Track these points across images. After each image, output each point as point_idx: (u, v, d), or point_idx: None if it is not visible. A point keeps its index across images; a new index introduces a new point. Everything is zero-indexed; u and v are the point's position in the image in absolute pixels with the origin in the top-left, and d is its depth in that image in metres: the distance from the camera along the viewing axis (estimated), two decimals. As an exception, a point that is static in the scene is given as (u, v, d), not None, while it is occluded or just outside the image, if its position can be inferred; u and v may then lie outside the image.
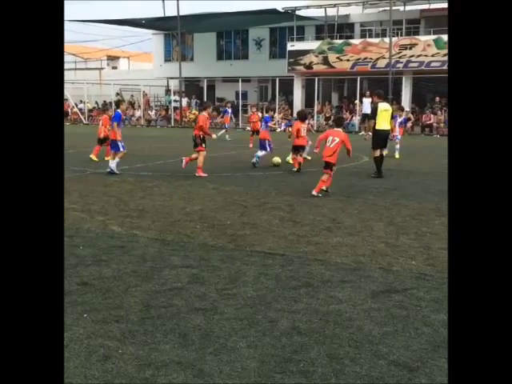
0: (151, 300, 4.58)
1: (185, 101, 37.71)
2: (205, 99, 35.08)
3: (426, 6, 33.17)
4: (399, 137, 17.37)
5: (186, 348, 3.70)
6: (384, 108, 12.32)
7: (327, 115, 31.30)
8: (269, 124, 15.66)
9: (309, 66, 34.05)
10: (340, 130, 10.21)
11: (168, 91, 40.56)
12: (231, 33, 41.26)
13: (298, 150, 13.43)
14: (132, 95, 40.29)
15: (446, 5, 32.42)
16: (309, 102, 34.06)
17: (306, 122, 14.15)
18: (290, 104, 35.77)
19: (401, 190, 10.35)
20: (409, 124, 25.68)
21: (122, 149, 12.32)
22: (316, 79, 31.71)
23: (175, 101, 37.01)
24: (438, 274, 5.30)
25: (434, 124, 29.06)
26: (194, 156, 12.30)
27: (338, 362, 3.52)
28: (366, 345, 3.76)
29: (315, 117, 19.02)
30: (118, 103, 13.68)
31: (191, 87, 40.34)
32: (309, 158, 15.38)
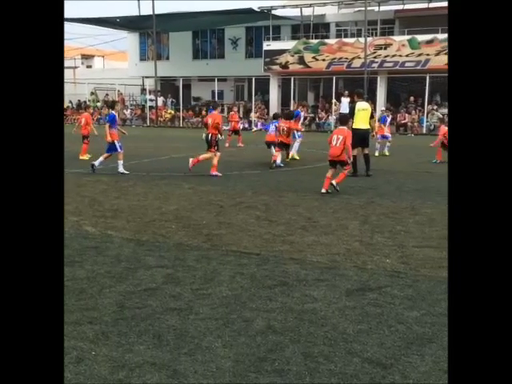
0: (125, 301, 4.54)
1: (160, 100, 37.51)
2: (181, 99, 34.98)
3: (400, 7, 33.50)
4: (384, 135, 17.61)
5: (161, 348, 3.67)
6: (362, 107, 12.40)
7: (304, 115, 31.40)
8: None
9: (285, 66, 34.12)
10: (344, 128, 10.35)
11: (143, 90, 40.29)
12: (207, 32, 41.12)
13: (284, 146, 13.97)
14: (107, 94, 39.91)
15: (419, 5, 32.89)
16: (285, 101, 34.14)
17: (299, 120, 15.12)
18: (266, 103, 35.82)
19: (376, 188, 10.43)
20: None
21: (119, 149, 12.28)
22: (292, 79, 31.82)
23: (151, 100, 36.78)
24: (411, 271, 5.35)
25: (409, 123, 29.37)
26: (201, 157, 12.22)
27: (313, 360, 3.53)
28: (341, 343, 3.78)
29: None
30: (112, 104, 13.59)
31: (167, 86, 40.11)
32: (297, 157, 15.58)
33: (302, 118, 16.68)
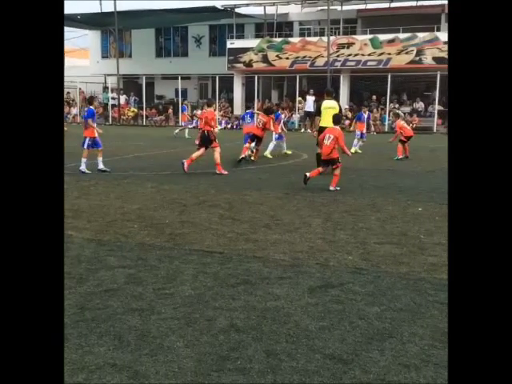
0: (86, 302, 4.47)
1: (123, 98, 37.05)
2: (144, 97, 34.63)
3: (362, 6, 33.90)
4: (365, 135, 17.81)
5: (122, 350, 3.63)
6: (328, 106, 12.48)
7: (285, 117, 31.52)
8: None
9: (248, 64, 34.16)
10: (337, 127, 10.52)
11: (105, 88, 39.73)
12: (170, 29, 40.84)
13: (256, 139, 14.35)
14: (68, 92, 39.20)
15: (381, 5, 33.32)
16: (249, 99, 34.18)
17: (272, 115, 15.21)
18: (230, 102, 35.78)
19: (338, 186, 10.51)
20: (346, 122, 26.23)
21: (88, 147, 12.29)
22: (256, 77, 31.86)
23: (113, 98, 36.30)
24: (372, 268, 5.42)
25: (371, 122, 29.72)
26: (194, 156, 12.23)
27: (275, 357, 3.54)
28: (303, 340, 3.80)
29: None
30: (90, 100, 13.63)
31: (130, 84, 39.66)
32: (289, 152, 16.20)
33: (282, 121, 16.74)
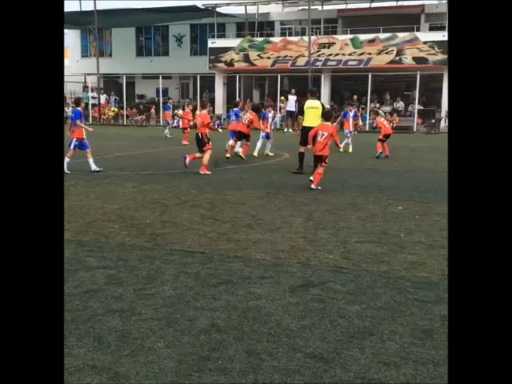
0: (65, 303, 4.41)
1: (103, 98, 36.78)
2: (124, 96, 34.41)
3: (343, 6, 34.07)
4: (352, 132, 17.86)
5: (102, 351, 3.60)
6: (310, 105, 12.53)
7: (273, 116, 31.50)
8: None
9: (230, 64, 34.14)
10: (329, 123, 10.67)
11: (85, 88, 39.38)
12: (151, 28, 40.65)
13: (243, 137, 14.57)
14: (48, 92, 38.81)
15: (361, 5, 33.52)
16: (230, 99, 34.11)
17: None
18: (212, 101, 35.68)
19: (320, 185, 10.55)
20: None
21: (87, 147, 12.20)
22: (237, 76, 31.84)
23: (93, 98, 36.01)
24: (353, 266, 5.45)
25: (358, 120, 29.83)
26: (198, 154, 12.28)
27: (256, 357, 3.54)
28: (284, 339, 3.81)
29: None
30: (77, 101, 13.58)
31: (110, 84, 39.39)
32: (271, 154, 16.19)
33: (270, 119, 16.76)
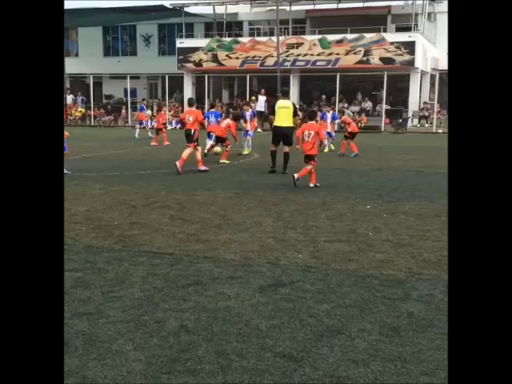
0: (31, 307, 4.35)
1: (70, 98, 36.25)
2: (91, 96, 33.98)
3: (311, 7, 34.25)
4: (328, 132, 17.95)
5: (69, 355, 3.54)
6: (281, 105, 12.60)
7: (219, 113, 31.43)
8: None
9: (198, 64, 34.00)
10: (313, 122, 10.89)
11: (52, 88, 38.75)
12: (118, 28, 40.23)
13: (219, 139, 14.78)
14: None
15: (329, 6, 33.76)
16: (200, 99, 33.99)
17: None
18: (181, 101, 35.49)
19: (289, 185, 10.58)
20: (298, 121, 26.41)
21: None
22: (206, 77, 31.73)
23: (60, 98, 35.43)
24: (322, 265, 5.48)
25: (337, 121, 30.03)
26: (184, 155, 12.29)
27: (226, 357, 3.54)
28: (253, 339, 3.81)
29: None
30: None
31: (77, 84, 38.83)
32: (246, 152, 16.48)
33: (248, 117, 16.91)
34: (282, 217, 7.75)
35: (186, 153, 12.30)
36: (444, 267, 5.36)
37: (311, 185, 10.33)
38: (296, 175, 10.25)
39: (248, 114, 16.98)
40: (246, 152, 16.57)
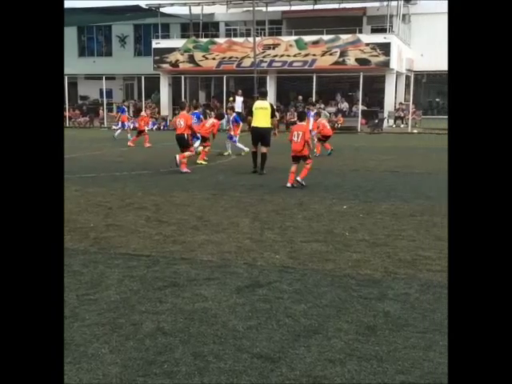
0: (4, 311, 4.28)
1: (45, 99, 35.77)
2: (66, 97, 33.58)
3: (287, 8, 34.37)
4: (314, 132, 17.92)
5: (43, 359, 3.50)
6: (259, 106, 12.62)
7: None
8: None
9: (175, 64, 33.84)
10: (303, 123, 10.86)
11: (26, 88, 38.25)
12: (93, 28, 39.86)
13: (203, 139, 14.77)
14: (-15, 93, 37.51)
15: (305, 7, 33.90)
16: (176, 100, 33.86)
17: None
18: (157, 102, 35.32)
19: (266, 186, 10.61)
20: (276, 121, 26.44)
21: None
22: (182, 77, 31.61)
23: (34, 99, 34.99)
24: (299, 266, 5.50)
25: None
26: (187, 154, 12.59)
27: (203, 359, 3.52)
28: (230, 340, 3.80)
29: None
30: None
31: (51, 84, 38.35)
32: (226, 153, 16.68)
33: (231, 122, 17.08)
34: (259, 217, 7.76)
35: (187, 153, 12.59)
36: (419, 266, 5.42)
37: (288, 184, 10.35)
38: (298, 178, 10.33)
39: (231, 118, 17.03)
40: (226, 153, 16.62)
